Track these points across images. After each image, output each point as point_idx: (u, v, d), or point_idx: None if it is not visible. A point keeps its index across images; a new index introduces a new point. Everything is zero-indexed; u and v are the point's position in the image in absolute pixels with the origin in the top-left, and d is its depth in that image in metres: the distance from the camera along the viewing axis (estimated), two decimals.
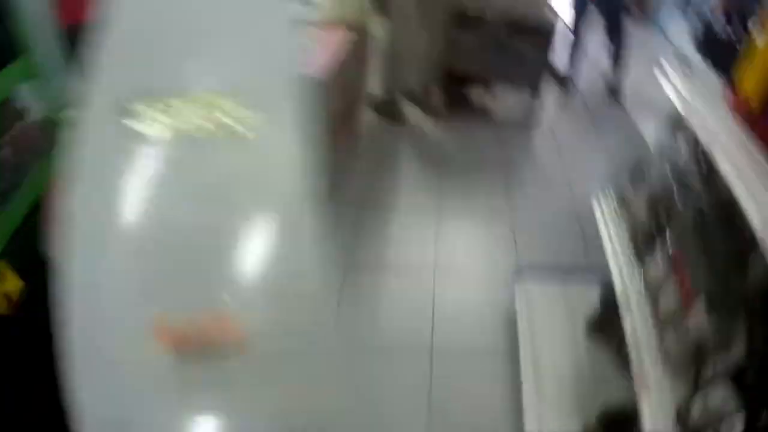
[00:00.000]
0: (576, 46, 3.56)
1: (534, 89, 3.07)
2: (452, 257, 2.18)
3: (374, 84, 3.06)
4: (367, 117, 3.09)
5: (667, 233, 1.25)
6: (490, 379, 1.67)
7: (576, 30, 3.52)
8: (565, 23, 3.35)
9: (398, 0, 2.81)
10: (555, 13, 2.96)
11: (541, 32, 2.94)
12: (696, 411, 0.92)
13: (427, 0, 2.82)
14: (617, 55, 3.54)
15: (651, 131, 2.07)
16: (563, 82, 3.66)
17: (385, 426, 1.52)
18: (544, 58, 3.04)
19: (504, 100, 3.12)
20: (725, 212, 1.19)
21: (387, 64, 2.95)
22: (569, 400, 1.44)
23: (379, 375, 1.67)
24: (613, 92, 3.62)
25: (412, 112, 3.18)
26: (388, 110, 3.11)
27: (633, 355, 1.09)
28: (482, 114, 3.17)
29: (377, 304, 1.97)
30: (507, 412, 1.56)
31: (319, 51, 2.15)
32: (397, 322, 1.87)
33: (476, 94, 3.13)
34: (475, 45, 3.01)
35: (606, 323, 1.57)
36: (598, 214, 1.57)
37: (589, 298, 1.69)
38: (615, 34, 3.48)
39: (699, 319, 1.00)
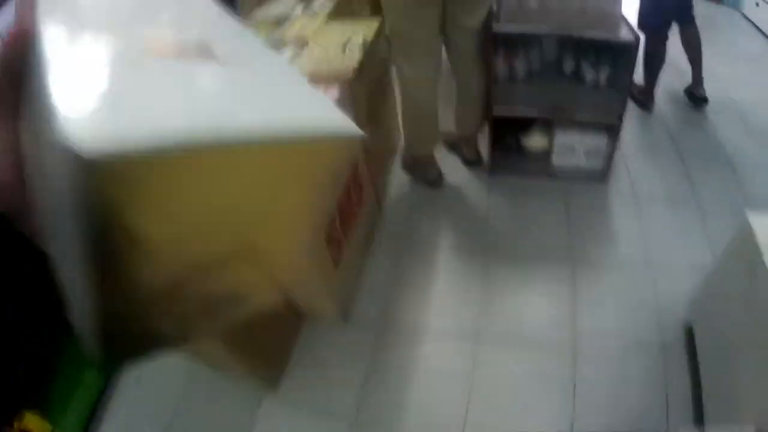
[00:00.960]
0: (654, 54, 2.76)
1: (611, 128, 2.31)
2: (489, 412, 1.69)
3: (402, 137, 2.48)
4: (396, 178, 2.56)
5: None
6: None
7: (654, 33, 2.69)
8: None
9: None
10: (627, 22, 2.10)
11: (620, 49, 2.16)
12: None
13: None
14: (695, 54, 2.79)
15: None
16: (644, 101, 2.94)
17: None
18: (626, 83, 2.26)
19: (569, 145, 2.39)
20: None
21: (409, 112, 2.34)
22: None
23: None
24: (696, 100, 2.91)
25: (451, 166, 2.57)
26: (421, 168, 2.48)
27: None
28: (541, 164, 2.47)
29: None
30: None
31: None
32: None
33: (533, 138, 2.43)
34: (528, 72, 2.30)
35: None
36: None
37: None
38: (688, 30, 2.73)
39: None
